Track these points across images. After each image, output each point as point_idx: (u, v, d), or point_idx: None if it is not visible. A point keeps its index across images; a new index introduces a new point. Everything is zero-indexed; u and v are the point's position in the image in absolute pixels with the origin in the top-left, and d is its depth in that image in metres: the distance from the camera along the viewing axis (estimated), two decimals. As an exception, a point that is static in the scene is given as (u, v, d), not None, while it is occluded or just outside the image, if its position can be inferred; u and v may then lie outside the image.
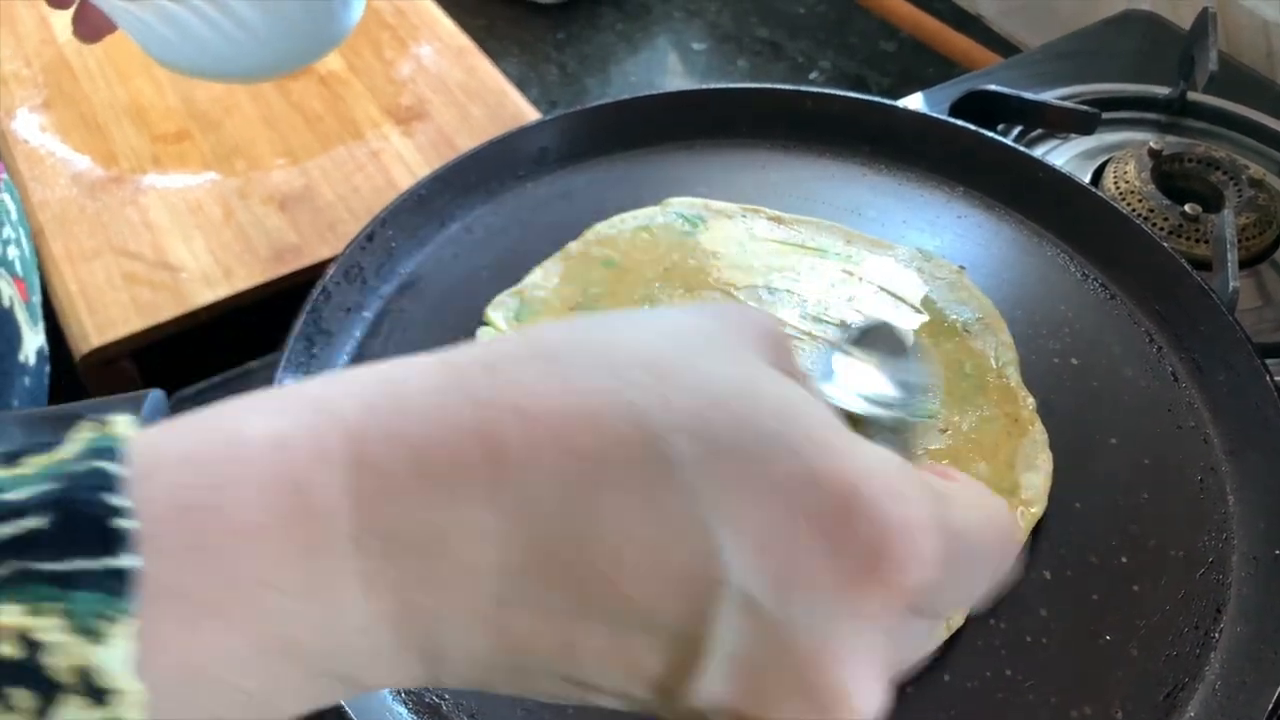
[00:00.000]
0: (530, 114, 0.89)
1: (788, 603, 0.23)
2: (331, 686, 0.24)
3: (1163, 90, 0.83)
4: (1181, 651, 0.47)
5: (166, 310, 0.73)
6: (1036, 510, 0.51)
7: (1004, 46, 1.04)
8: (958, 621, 0.47)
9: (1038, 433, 0.54)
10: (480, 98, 0.90)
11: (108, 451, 0.22)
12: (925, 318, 0.59)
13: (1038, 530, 0.51)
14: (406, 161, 0.84)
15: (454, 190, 0.65)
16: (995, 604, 0.48)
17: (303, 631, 0.23)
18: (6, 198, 0.67)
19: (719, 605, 0.23)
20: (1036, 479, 0.52)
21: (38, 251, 0.77)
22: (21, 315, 0.63)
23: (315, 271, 0.76)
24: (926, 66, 1.03)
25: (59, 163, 0.84)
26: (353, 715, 0.43)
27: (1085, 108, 0.76)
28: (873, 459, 0.24)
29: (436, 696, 0.46)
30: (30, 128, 0.86)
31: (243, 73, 0.60)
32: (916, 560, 0.24)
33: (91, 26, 0.58)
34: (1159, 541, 0.50)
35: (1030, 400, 0.55)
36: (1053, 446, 0.53)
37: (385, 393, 0.24)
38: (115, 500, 0.21)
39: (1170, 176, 0.74)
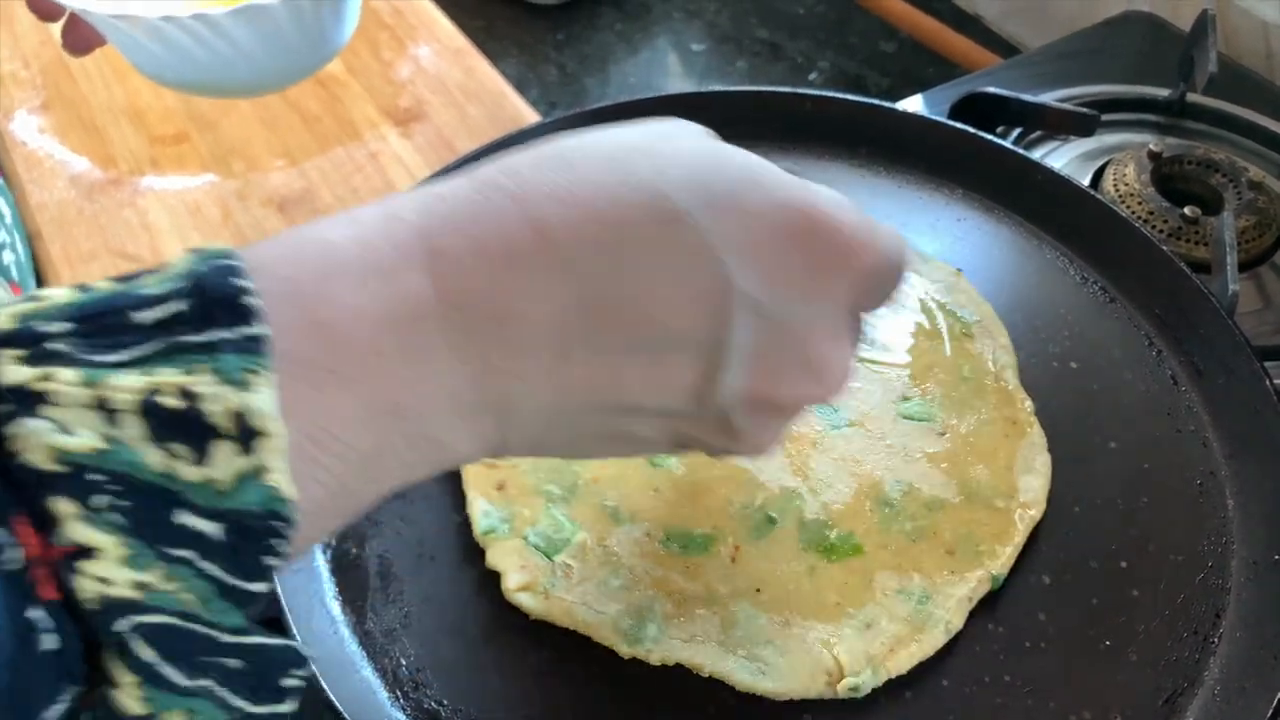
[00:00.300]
0: (529, 115, 0.89)
1: (782, 298, 0.31)
2: (426, 453, 0.29)
3: (1162, 92, 0.83)
4: (1180, 657, 0.47)
5: (165, 312, 0.73)
6: (1035, 513, 0.51)
7: (1003, 47, 1.04)
8: (957, 625, 0.47)
9: (1036, 435, 0.54)
10: (479, 99, 0.90)
11: (222, 254, 0.25)
12: (922, 320, 0.59)
13: (1036, 534, 0.51)
14: (405, 163, 0.84)
15: (453, 193, 0.65)
16: (994, 608, 0.48)
17: (405, 394, 0.27)
18: (1, 202, 0.67)
19: (732, 309, 0.30)
20: (1035, 482, 0.52)
21: (36, 254, 0.77)
22: (19, 318, 0.63)
23: (314, 273, 0.76)
24: (926, 67, 1.03)
25: (57, 164, 0.84)
26: (351, 720, 0.43)
27: (1085, 110, 0.76)
28: (820, 189, 0.33)
29: (435, 703, 0.46)
30: (28, 129, 0.86)
31: (233, 89, 0.60)
32: (867, 248, 0.33)
33: (80, 39, 0.58)
34: (1158, 546, 0.50)
35: (1028, 403, 0.55)
36: (1052, 450, 0.53)
37: (437, 201, 0.29)
38: (242, 282, 0.25)
39: (1170, 179, 0.74)
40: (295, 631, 0.45)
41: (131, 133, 0.86)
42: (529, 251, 0.28)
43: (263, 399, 0.23)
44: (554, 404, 0.30)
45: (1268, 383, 0.53)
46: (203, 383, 0.23)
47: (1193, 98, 0.82)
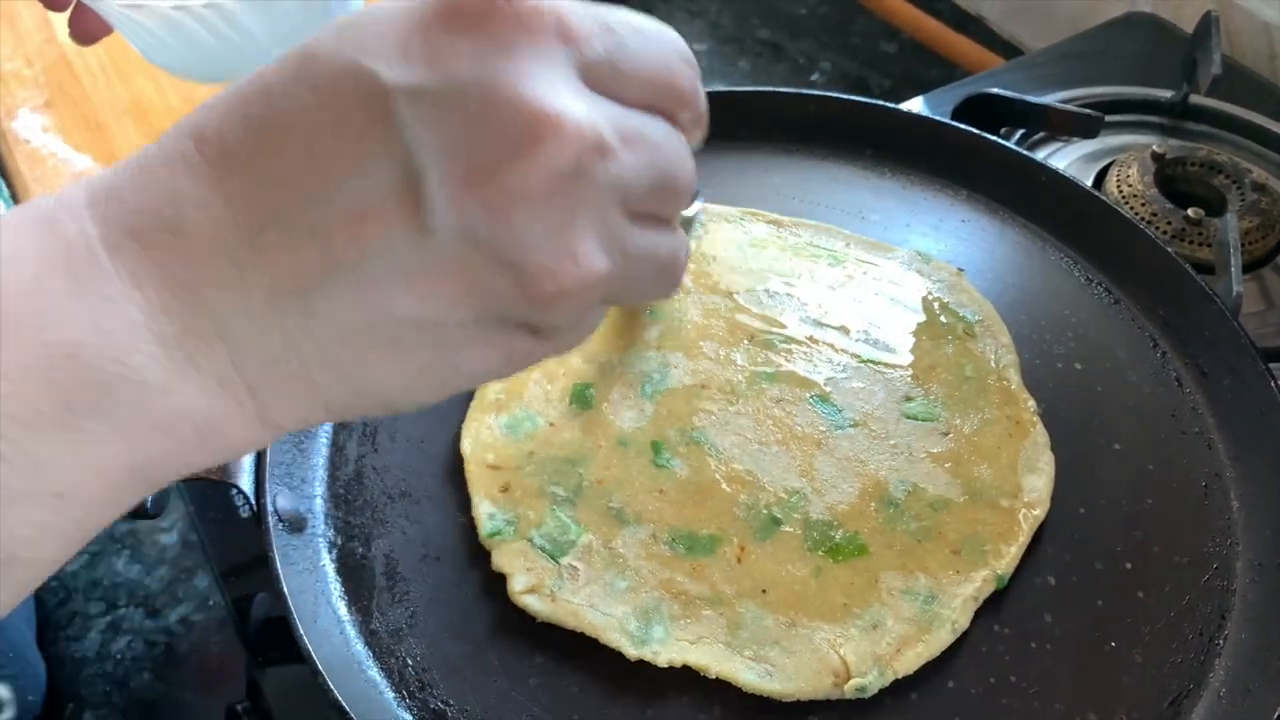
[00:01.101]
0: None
1: (457, 69, 0.26)
2: (150, 409, 0.26)
3: (1165, 93, 0.83)
4: (1186, 658, 0.47)
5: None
6: (1039, 513, 0.51)
7: (1005, 48, 1.04)
8: (963, 625, 0.47)
9: (1039, 435, 0.54)
10: (482, 99, 0.90)
11: None
12: (924, 319, 0.59)
13: (1041, 534, 0.51)
14: (408, 162, 0.84)
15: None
16: (999, 610, 0.48)
17: (82, 332, 0.25)
18: (-2, 204, 0.67)
19: (391, 108, 0.26)
20: (1038, 481, 0.52)
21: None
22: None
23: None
24: (928, 68, 1.03)
25: (60, 163, 0.83)
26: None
27: (1088, 111, 0.76)
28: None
29: (441, 703, 0.46)
30: (32, 128, 0.86)
31: (239, 77, 0.60)
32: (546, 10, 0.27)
33: (87, 29, 0.58)
34: (1163, 547, 0.50)
35: (1031, 402, 0.55)
36: (1057, 451, 0.54)
37: (121, 164, 0.28)
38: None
39: (1173, 180, 0.74)
40: (301, 631, 0.45)
41: (135, 131, 0.86)
42: (189, 160, 0.27)
43: None
44: (279, 311, 0.27)
45: (1273, 385, 0.53)
46: None
47: (1195, 99, 0.82)
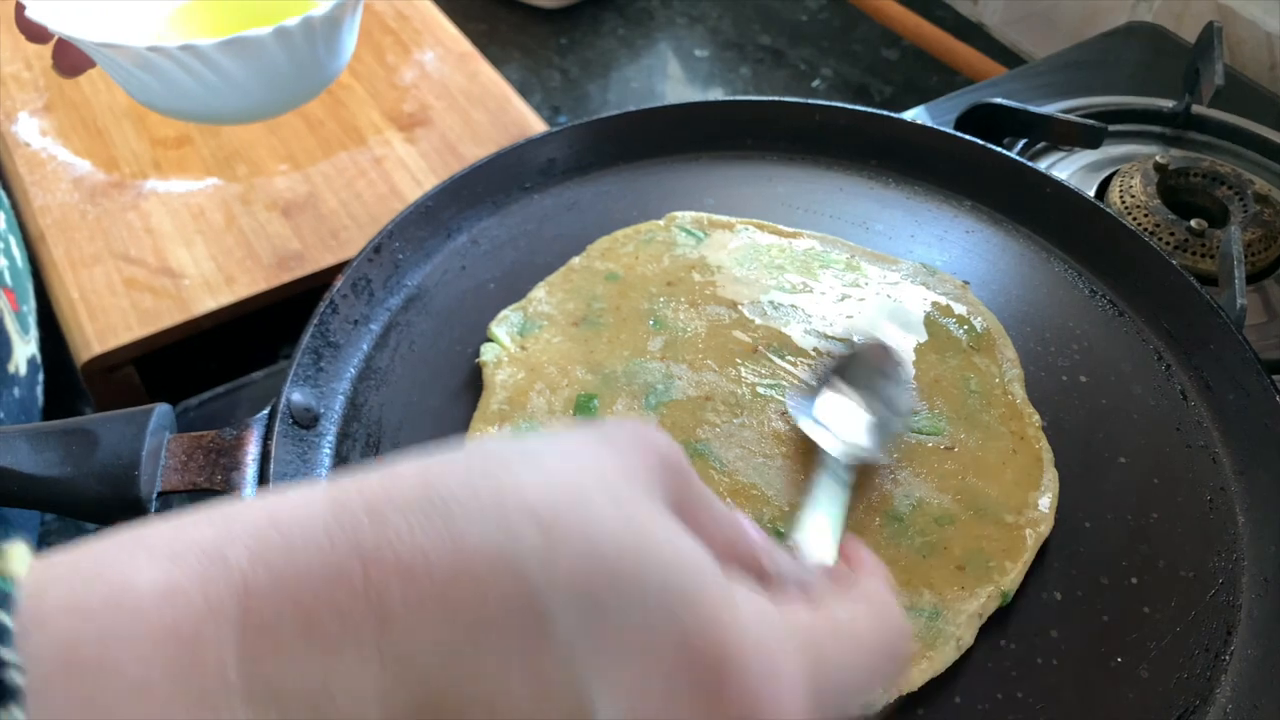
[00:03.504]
0: (533, 120, 0.88)
1: None
2: None
3: (1166, 103, 0.83)
4: (1192, 674, 0.47)
5: (168, 317, 0.73)
6: (1044, 528, 0.51)
7: (1006, 55, 1.04)
8: (968, 641, 0.47)
9: (1044, 450, 0.54)
10: (483, 103, 0.90)
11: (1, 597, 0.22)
12: (928, 332, 0.59)
13: (1046, 549, 0.51)
14: (409, 168, 0.84)
15: (461, 202, 0.65)
16: (1005, 625, 0.48)
17: None
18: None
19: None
20: (1043, 496, 0.52)
21: (38, 257, 0.77)
22: (11, 325, 0.63)
23: (318, 279, 0.76)
24: (929, 75, 1.03)
25: (60, 167, 0.83)
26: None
27: (1092, 122, 0.76)
28: (749, 619, 0.25)
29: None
30: (31, 131, 0.86)
31: (224, 117, 0.59)
32: (783, 706, 0.24)
33: (70, 63, 0.57)
34: (1169, 562, 0.50)
35: (1036, 417, 0.55)
36: (1061, 465, 0.53)
37: (273, 538, 0.24)
38: (6, 654, 0.21)
39: (1175, 191, 0.74)
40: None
41: (134, 135, 0.86)
42: (358, 633, 0.24)
43: None
44: None
45: (1277, 398, 0.53)
46: None
47: (1197, 109, 0.82)
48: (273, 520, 0.25)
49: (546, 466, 0.26)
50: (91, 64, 0.57)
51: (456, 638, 0.24)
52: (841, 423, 0.52)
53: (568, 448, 0.27)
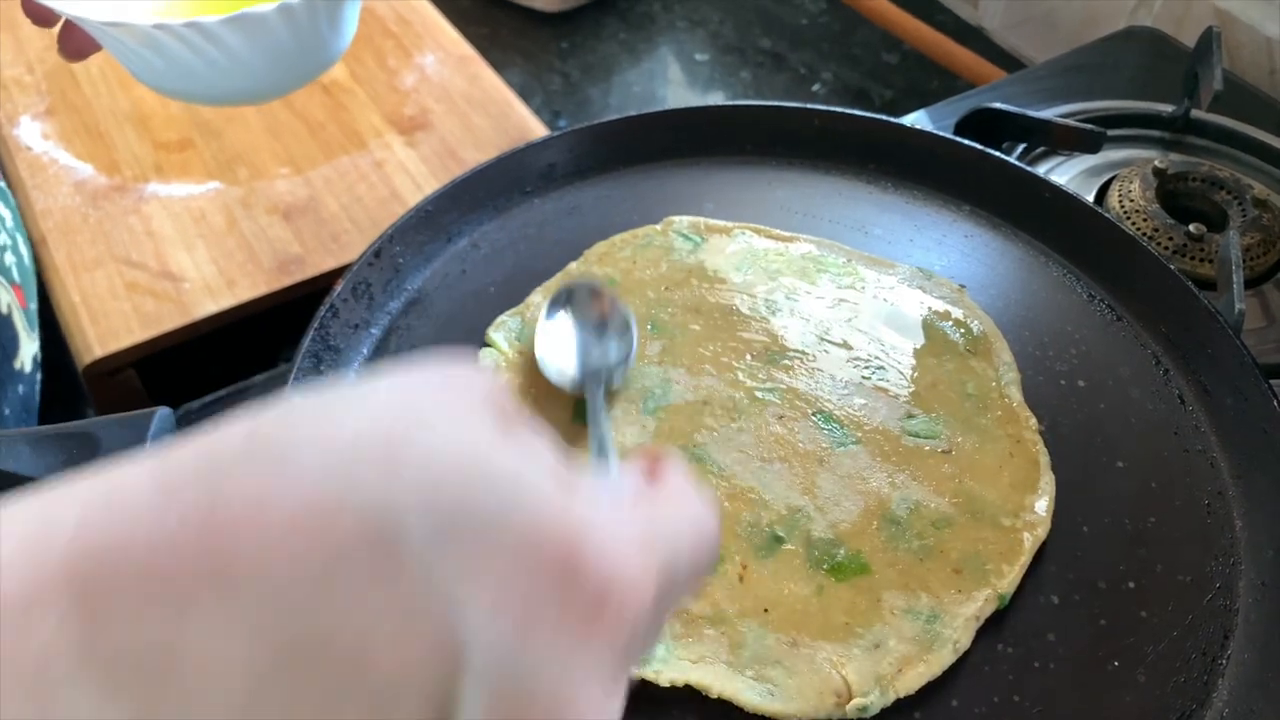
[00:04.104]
0: (533, 123, 0.89)
1: (526, 651, 0.24)
2: None
3: (1165, 107, 0.83)
4: (1189, 678, 0.47)
5: (169, 321, 0.73)
6: (1041, 532, 0.51)
7: (1006, 59, 1.04)
8: (965, 644, 0.47)
9: (1041, 454, 0.54)
10: (484, 107, 0.90)
11: None
12: (926, 336, 0.59)
13: (1044, 553, 0.51)
14: (410, 171, 0.84)
15: (461, 206, 0.65)
16: (1002, 628, 0.48)
17: None
18: (0, 204, 0.67)
19: (460, 665, 0.24)
20: (1040, 500, 0.52)
21: (40, 260, 0.77)
22: (19, 322, 0.63)
23: (319, 283, 0.76)
24: (929, 79, 1.04)
25: (61, 170, 0.83)
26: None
27: (1091, 126, 0.76)
28: (592, 512, 0.26)
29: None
30: (33, 135, 0.86)
31: (230, 97, 0.59)
32: (635, 600, 0.26)
33: (76, 46, 0.58)
34: (1166, 566, 0.50)
35: (1033, 421, 0.56)
36: (1059, 469, 0.54)
37: (103, 508, 0.24)
38: None
39: (1174, 195, 0.74)
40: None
41: (136, 139, 0.86)
42: (207, 587, 0.23)
43: None
44: None
45: (1275, 403, 0.53)
46: None
47: (1196, 114, 0.82)
48: (103, 488, 0.24)
49: (378, 400, 0.26)
50: (97, 48, 0.57)
51: (309, 576, 0.23)
52: (562, 352, 0.57)
53: (395, 381, 0.27)
